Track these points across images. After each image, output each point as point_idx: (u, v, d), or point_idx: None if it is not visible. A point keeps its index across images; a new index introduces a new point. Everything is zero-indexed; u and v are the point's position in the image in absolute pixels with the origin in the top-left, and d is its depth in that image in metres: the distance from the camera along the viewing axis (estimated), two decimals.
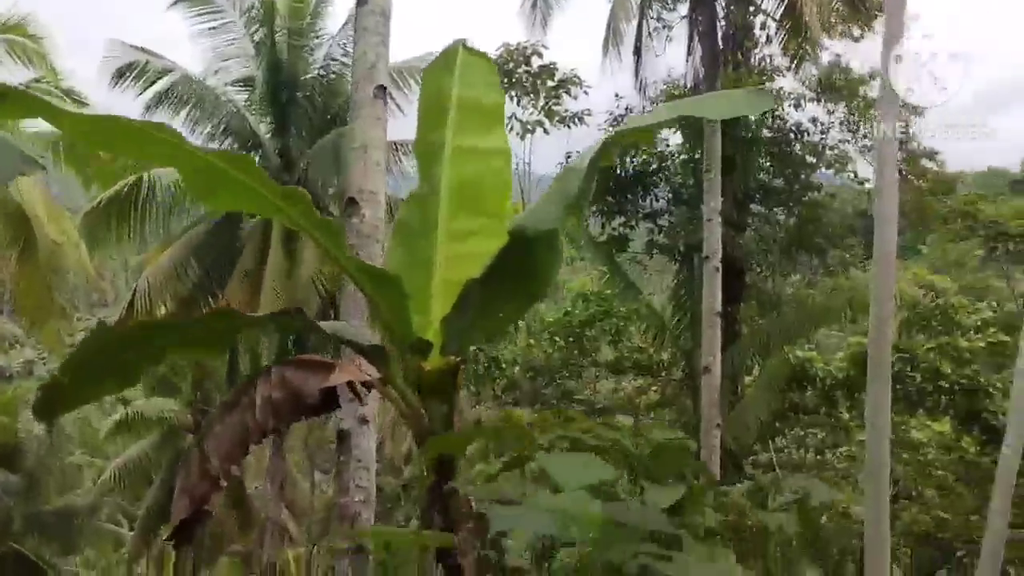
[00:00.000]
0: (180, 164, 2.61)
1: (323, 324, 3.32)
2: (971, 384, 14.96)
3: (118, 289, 36.28)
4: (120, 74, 14.84)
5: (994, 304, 18.99)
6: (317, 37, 16.11)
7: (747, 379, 16.49)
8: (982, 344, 16.70)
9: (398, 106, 14.64)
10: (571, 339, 17.17)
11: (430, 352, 3.13)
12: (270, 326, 3.48)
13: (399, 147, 15.25)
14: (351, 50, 15.71)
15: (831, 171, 16.60)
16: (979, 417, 14.97)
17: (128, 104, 14.97)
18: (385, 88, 5.95)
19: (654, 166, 15.93)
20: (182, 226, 15.81)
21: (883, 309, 7.72)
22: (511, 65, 14.53)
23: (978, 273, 24.46)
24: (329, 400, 3.50)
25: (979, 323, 17.30)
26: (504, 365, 16.44)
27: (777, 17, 14.18)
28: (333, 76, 16.13)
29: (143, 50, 15.20)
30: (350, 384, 3.47)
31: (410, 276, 3.12)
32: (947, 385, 15.30)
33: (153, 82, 15.01)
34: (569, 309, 17.03)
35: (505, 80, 14.10)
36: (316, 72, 16.09)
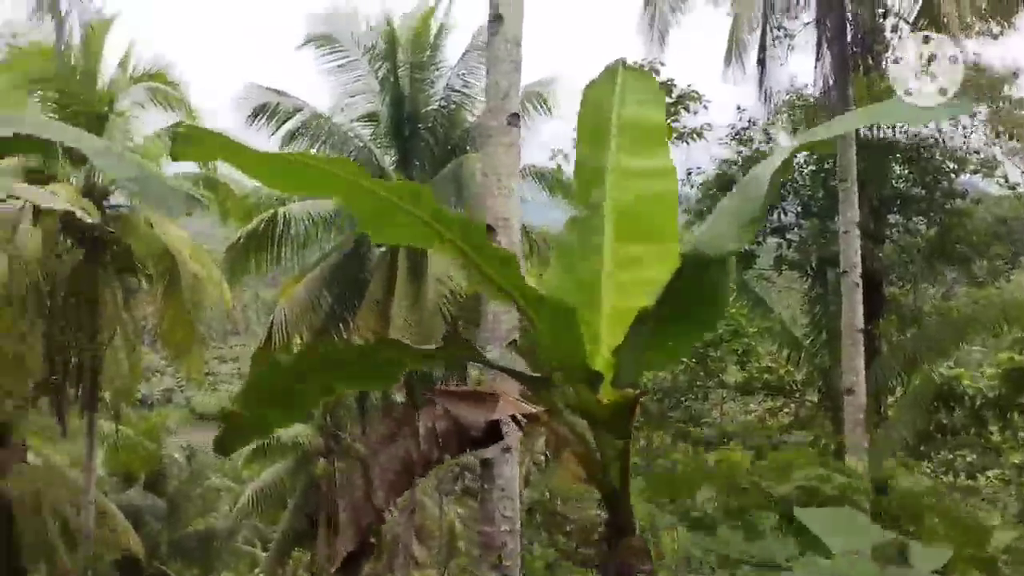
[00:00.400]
0: (355, 199, 2.61)
1: (489, 356, 3.27)
2: None
3: (248, 319, 37.90)
4: (255, 114, 15.54)
5: None
6: (437, 69, 16.42)
7: (888, 399, 15.62)
8: None
9: None
10: (695, 360, 16.72)
11: (601, 383, 3.02)
12: (438, 357, 3.45)
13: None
14: (471, 80, 16.14)
15: (977, 176, 15.62)
16: None
17: (261, 142, 15.68)
18: (518, 115, 5.94)
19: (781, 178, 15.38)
20: (314, 259, 16.34)
21: None
22: None
23: None
24: (493, 433, 3.43)
25: None
26: None
27: (911, 18, 13.50)
28: (453, 107, 16.40)
29: (275, 91, 15.89)
30: (513, 417, 3.41)
31: (576, 305, 3.03)
32: None
33: (285, 121, 15.65)
34: None
35: None
36: (437, 104, 16.39)
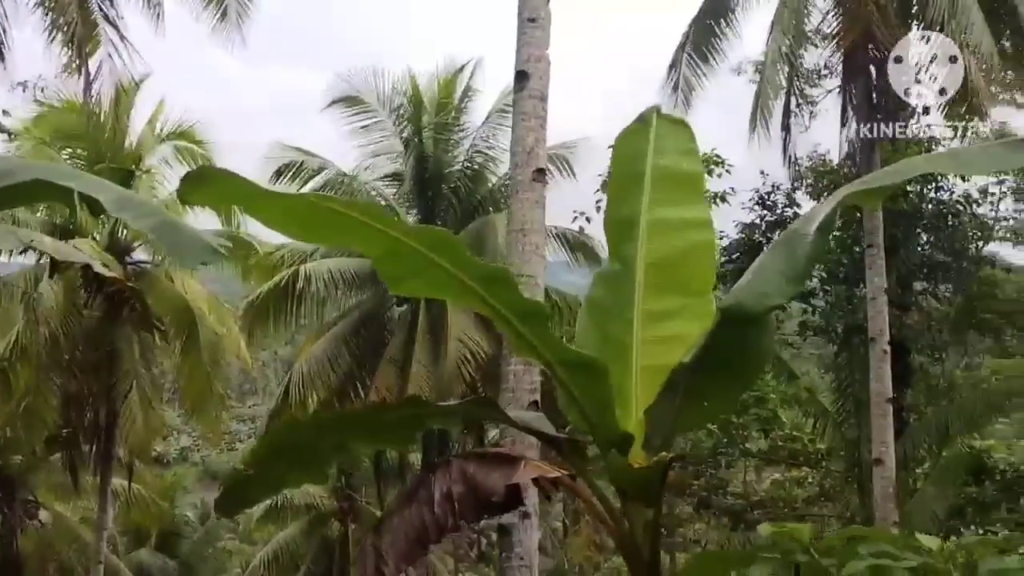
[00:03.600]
0: (377, 244, 2.47)
1: (512, 415, 3.09)
2: None
3: (267, 378, 37.70)
4: (279, 172, 15.66)
5: None
6: (462, 130, 16.55)
7: (918, 471, 15.13)
8: None
9: None
10: (717, 426, 16.31)
11: (631, 446, 2.83)
12: (458, 415, 3.28)
13: None
14: (495, 141, 16.21)
15: (1008, 243, 15.39)
16: None
17: None
18: (544, 171, 5.89)
19: None
20: (333, 317, 16.25)
21: None
22: None
23: None
24: (513, 497, 3.24)
25: None
26: None
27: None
28: (477, 167, 16.48)
29: (300, 150, 16.03)
30: (536, 481, 3.21)
31: (607, 363, 2.85)
32: None
33: (309, 179, 15.75)
34: None
35: None
36: (460, 164, 16.47)
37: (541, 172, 5.77)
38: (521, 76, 5.76)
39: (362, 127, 16.16)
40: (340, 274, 15.28)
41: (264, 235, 15.42)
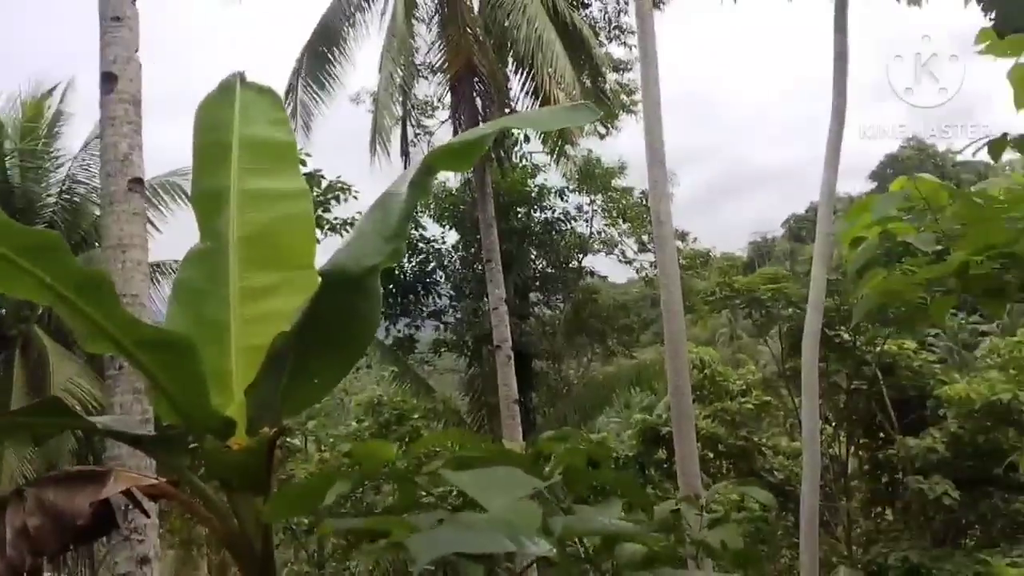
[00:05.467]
0: None
1: (91, 418, 2.66)
2: (746, 445, 15.78)
3: None
4: None
5: (752, 368, 20.41)
6: (55, 158, 14.74)
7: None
8: (750, 406, 17.86)
9: (153, 224, 13.54)
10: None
11: (233, 432, 2.58)
12: (21, 428, 2.70)
13: (156, 268, 13.95)
14: (96, 169, 14.58)
15: (601, 254, 17.42)
16: (758, 476, 15.72)
17: None
18: (142, 181, 5.44)
19: (432, 265, 15.89)
20: None
21: (681, 381, 8.06)
22: None
23: (738, 340, 26.46)
24: (104, 520, 2.81)
25: (744, 387, 18.52)
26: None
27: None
28: (78, 198, 14.75)
29: None
30: (128, 493, 2.81)
31: (200, 345, 2.57)
32: (725, 449, 16.02)
33: None
34: (361, 419, 16.24)
35: None
36: (56, 196, 14.65)
37: (138, 181, 5.34)
38: (108, 78, 5.31)
39: None
40: None
41: None
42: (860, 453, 15.94)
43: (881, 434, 15.21)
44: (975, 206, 3.88)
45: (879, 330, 14.48)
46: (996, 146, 3.03)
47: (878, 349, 14.71)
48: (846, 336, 14.92)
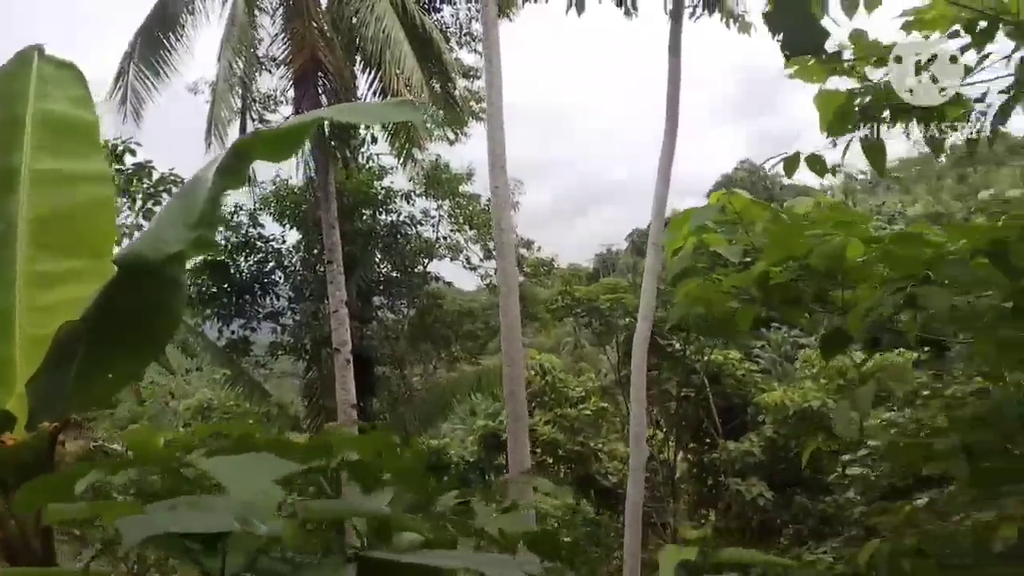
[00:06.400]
0: None
1: None
2: (583, 451, 16.26)
3: None
4: None
5: (592, 376, 21.03)
6: None
7: None
8: (588, 412, 18.41)
9: None
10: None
11: (11, 427, 2.39)
12: None
13: None
14: None
15: (447, 259, 17.45)
16: (593, 480, 16.21)
17: None
18: None
19: (271, 265, 15.40)
20: None
21: (516, 387, 8.20)
22: None
23: (581, 349, 27.15)
24: None
25: (583, 394, 19.07)
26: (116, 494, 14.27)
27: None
28: None
29: None
30: None
31: None
32: (564, 454, 16.43)
33: None
34: (189, 423, 15.53)
35: None
36: None
37: None
38: None
39: None
40: None
41: None
42: (688, 457, 16.76)
43: (707, 439, 16.05)
44: (780, 221, 4.17)
45: (708, 340, 15.29)
46: (790, 163, 3.26)
47: (706, 358, 15.52)
48: (677, 346, 15.65)
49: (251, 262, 15.27)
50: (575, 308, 18.67)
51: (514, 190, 17.82)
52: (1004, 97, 2.89)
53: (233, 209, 15.53)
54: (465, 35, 17.46)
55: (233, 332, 15.10)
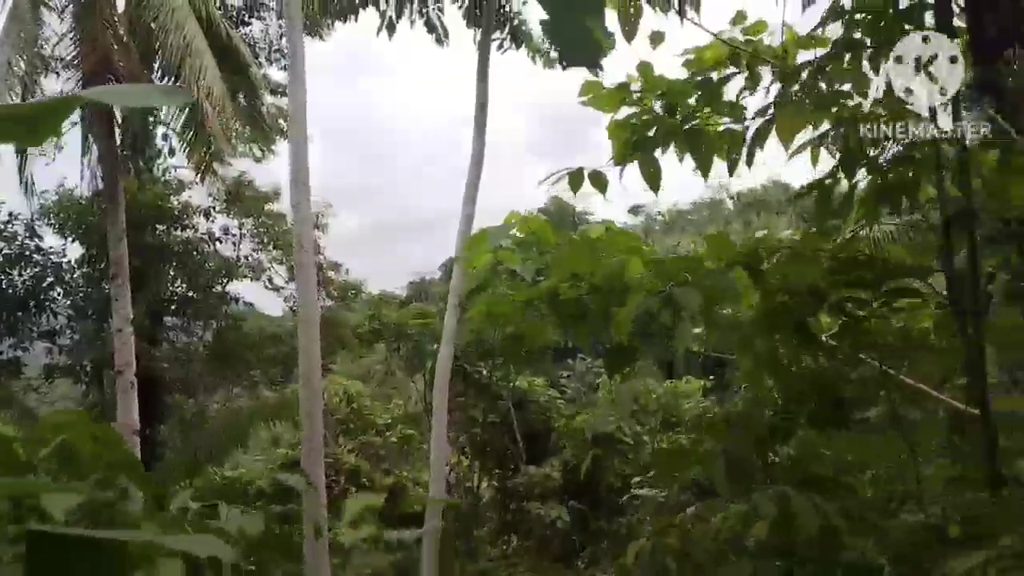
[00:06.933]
0: None
1: None
2: (388, 480, 16.12)
3: None
4: None
5: (400, 403, 20.89)
6: None
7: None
8: (394, 439, 18.26)
9: None
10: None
11: None
12: None
13: None
14: None
15: (248, 279, 16.72)
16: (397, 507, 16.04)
17: None
18: None
19: (50, 279, 14.12)
20: None
21: (314, 408, 7.98)
22: None
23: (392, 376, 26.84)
24: None
25: (390, 421, 18.89)
26: None
27: (178, 129, 13.93)
28: None
29: None
30: None
31: None
32: (369, 484, 16.21)
33: None
34: None
35: None
36: None
37: None
38: None
39: None
40: None
41: None
42: (493, 483, 16.95)
43: (512, 465, 16.32)
44: (572, 242, 4.33)
45: (513, 366, 15.61)
46: (574, 178, 3.37)
47: (512, 384, 15.81)
48: (485, 372, 15.86)
49: (26, 276, 13.91)
50: (384, 334, 18.49)
51: (323, 211, 17.41)
52: (760, 120, 3.13)
53: (7, 218, 14.16)
54: (275, 51, 16.97)
55: (2, 352, 13.67)
